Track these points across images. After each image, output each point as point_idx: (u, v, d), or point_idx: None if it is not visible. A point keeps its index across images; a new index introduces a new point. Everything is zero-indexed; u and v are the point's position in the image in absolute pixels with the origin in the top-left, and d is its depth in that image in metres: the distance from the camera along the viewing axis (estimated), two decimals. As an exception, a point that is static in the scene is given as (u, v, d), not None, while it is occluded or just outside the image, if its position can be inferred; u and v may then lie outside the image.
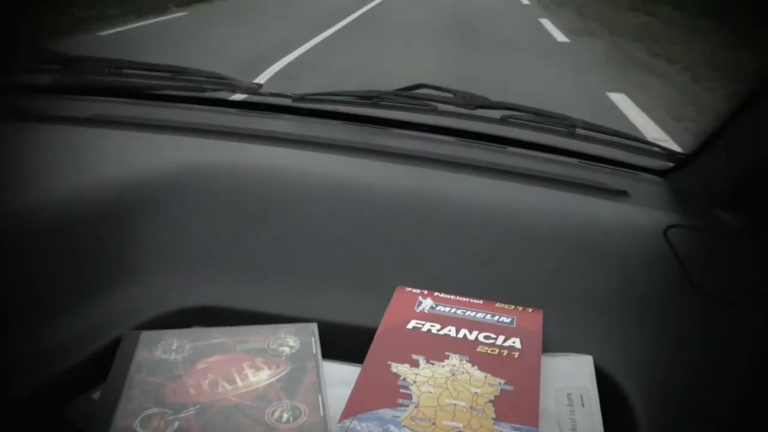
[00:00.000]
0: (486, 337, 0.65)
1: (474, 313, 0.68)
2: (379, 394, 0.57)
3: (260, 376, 0.58)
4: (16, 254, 0.65)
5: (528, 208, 0.88)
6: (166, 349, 0.60)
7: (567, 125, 1.07)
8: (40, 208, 0.71)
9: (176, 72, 1.20)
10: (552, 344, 0.64)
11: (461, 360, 0.62)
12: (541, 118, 1.09)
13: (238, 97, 1.26)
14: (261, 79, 4.85)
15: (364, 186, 0.89)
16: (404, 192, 0.88)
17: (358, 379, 0.59)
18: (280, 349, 0.61)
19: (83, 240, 0.69)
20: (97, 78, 1.20)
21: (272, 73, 5.36)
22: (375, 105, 1.13)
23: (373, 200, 0.84)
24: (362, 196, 0.86)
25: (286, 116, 1.16)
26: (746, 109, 0.86)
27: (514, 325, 0.67)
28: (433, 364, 0.61)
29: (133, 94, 1.18)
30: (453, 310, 0.69)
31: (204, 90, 1.18)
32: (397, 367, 0.60)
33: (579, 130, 1.07)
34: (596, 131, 1.07)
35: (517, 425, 0.54)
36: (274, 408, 0.54)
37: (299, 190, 0.84)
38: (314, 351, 0.61)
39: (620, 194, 0.94)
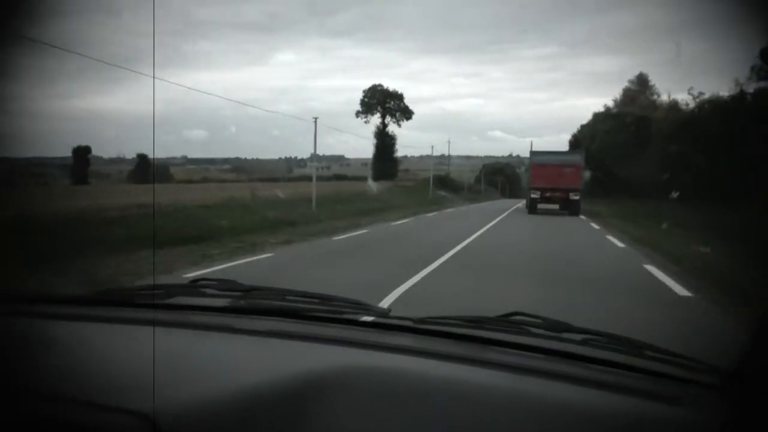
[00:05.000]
0: None
1: None
2: None
3: None
4: None
5: (606, 413, 1.07)
6: None
7: (635, 347, 1.34)
8: (224, 400, 0.93)
9: (326, 299, 1.62)
10: None
11: None
12: (614, 341, 1.35)
13: (372, 319, 1.55)
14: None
15: (472, 389, 1.10)
16: (503, 395, 1.09)
17: None
18: None
19: (256, 428, 0.91)
20: (266, 302, 1.61)
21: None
22: (479, 327, 1.40)
23: (480, 401, 1.06)
24: (471, 397, 1.07)
25: (409, 335, 1.43)
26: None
27: None
28: None
29: (294, 315, 1.54)
30: None
31: (344, 313, 1.56)
32: None
33: (646, 351, 1.32)
34: (658, 352, 1.32)
35: None
36: None
37: (420, 391, 1.07)
38: None
39: (676, 403, 1.11)
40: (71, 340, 1.22)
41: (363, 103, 60.59)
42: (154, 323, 1.36)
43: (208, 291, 1.65)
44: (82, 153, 54.54)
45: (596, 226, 20.41)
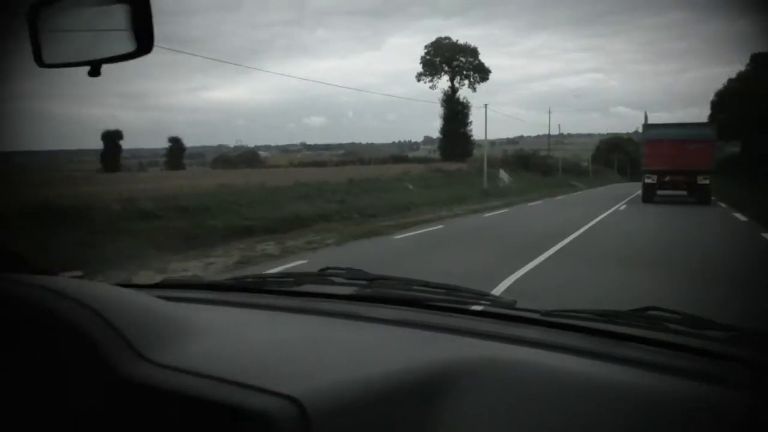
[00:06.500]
0: None
1: None
2: None
3: None
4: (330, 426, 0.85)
5: (748, 414, 1.02)
6: None
7: None
8: (359, 387, 0.92)
9: (451, 289, 1.60)
10: None
11: None
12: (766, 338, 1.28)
13: (497, 310, 1.50)
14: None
15: (604, 385, 1.07)
16: (637, 393, 1.05)
17: None
18: None
19: (380, 420, 0.90)
20: (391, 291, 1.62)
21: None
22: (611, 322, 1.35)
23: (612, 398, 1.03)
24: (603, 394, 1.04)
25: (535, 327, 1.37)
26: None
27: None
28: None
29: (417, 305, 1.53)
30: None
31: (469, 303, 1.55)
32: None
33: None
34: None
35: None
36: None
37: (549, 385, 1.05)
38: None
39: None
40: (212, 323, 1.23)
41: (425, 62, 48.54)
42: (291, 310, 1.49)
43: (336, 279, 1.71)
44: (112, 138, 52.49)
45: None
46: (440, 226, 14.46)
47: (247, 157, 74.82)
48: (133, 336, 0.97)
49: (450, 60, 47.64)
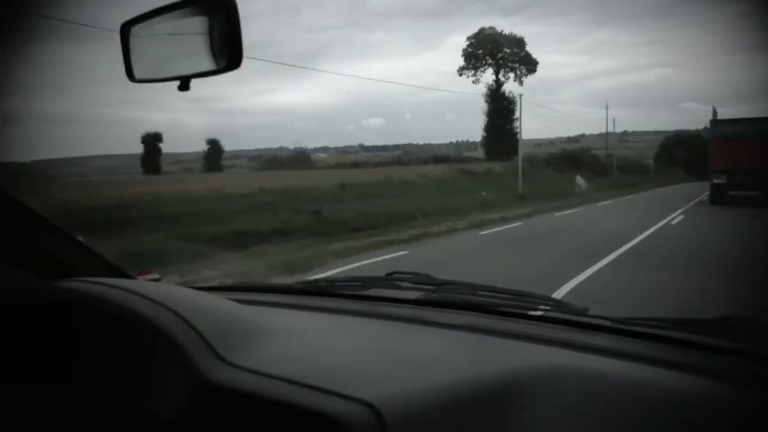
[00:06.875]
0: None
1: None
2: None
3: None
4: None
5: None
6: None
7: None
8: (430, 393, 0.92)
9: (519, 295, 1.56)
10: None
11: None
12: None
13: (566, 317, 1.44)
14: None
15: (682, 397, 1.03)
16: (720, 407, 1.01)
17: None
18: None
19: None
20: (458, 296, 1.60)
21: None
22: (685, 330, 1.28)
23: (695, 411, 0.99)
24: (683, 406, 1.00)
25: (606, 335, 1.33)
26: None
27: None
28: None
29: (485, 310, 1.50)
30: None
31: (537, 309, 1.51)
32: None
33: None
34: None
35: None
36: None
37: (624, 394, 1.03)
38: None
39: None
40: (285, 326, 1.23)
41: (467, 54, 45.51)
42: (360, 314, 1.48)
43: (403, 284, 1.70)
44: (151, 142, 52.72)
45: None
46: (404, 252, 11.13)
47: (297, 159, 74.84)
48: (213, 338, 0.97)
49: (494, 52, 44.42)
